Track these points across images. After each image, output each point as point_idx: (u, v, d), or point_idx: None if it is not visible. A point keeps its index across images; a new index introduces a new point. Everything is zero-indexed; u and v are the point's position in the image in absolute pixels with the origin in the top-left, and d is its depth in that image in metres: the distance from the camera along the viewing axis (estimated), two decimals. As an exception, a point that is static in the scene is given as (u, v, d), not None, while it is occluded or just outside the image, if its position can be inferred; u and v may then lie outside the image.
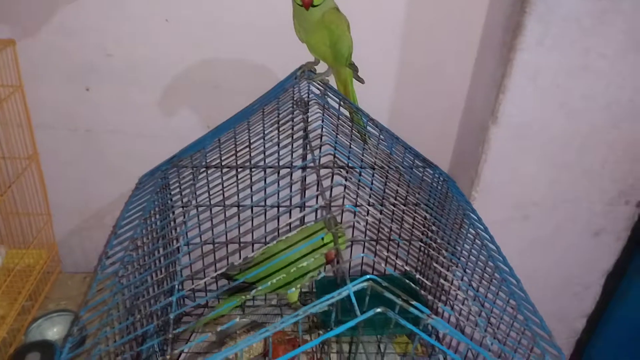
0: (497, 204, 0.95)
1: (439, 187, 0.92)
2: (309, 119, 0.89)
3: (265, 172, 0.91)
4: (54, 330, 0.92)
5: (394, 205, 0.92)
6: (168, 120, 0.99)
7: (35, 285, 1.01)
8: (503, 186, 0.94)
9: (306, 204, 1.05)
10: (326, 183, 0.98)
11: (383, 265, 0.57)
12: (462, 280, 0.68)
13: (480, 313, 0.64)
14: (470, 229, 0.80)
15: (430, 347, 0.95)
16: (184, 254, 0.63)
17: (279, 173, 0.93)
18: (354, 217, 1.02)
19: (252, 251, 0.84)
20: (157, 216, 0.79)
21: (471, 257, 0.77)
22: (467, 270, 0.75)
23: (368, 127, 0.90)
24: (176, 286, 0.53)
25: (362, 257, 1.03)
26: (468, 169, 0.97)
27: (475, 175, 0.94)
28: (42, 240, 1.07)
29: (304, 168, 0.99)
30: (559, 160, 0.92)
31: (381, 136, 0.88)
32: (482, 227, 0.81)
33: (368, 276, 0.42)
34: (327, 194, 0.98)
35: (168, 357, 0.45)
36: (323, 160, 0.96)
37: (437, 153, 1.01)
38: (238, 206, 0.92)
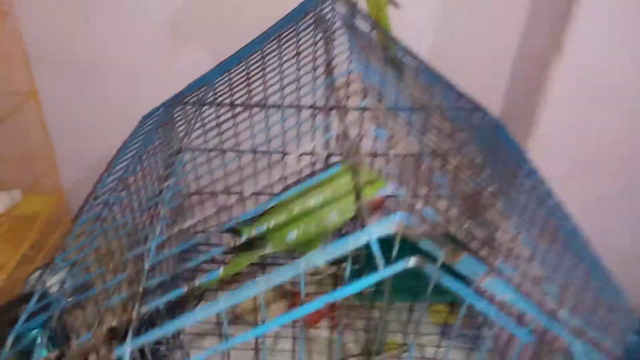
0: (556, 157, 0.81)
1: (489, 133, 0.78)
2: (334, 49, 0.75)
3: (282, 112, 0.79)
4: (54, 281, 0.85)
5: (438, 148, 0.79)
6: (176, 56, 0.89)
7: (40, 233, 0.94)
8: (564, 136, 0.80)
9: (331, 151, 0.92)
10: (354, 125, 0.85)
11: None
12: (518, 235, 0.56)
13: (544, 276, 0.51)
14: (526, 180, 0.67)
15: (476, 316, 0.82)
16: (177, 200, 0.53)
17: (299, 114, 0.81)
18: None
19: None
20: (158, 155, 0.69)
21: (527, 211, 0.64)
22: (522, 224, 0.62)
23: (404, 60, 0.76)
24: (157, 230, 0.43)
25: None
26: (523, 115, 0.83)
27: (531, 122, 0.80)
28: (48, 185, 1.00)
29: (329, 108, 0.86)
30: (632, 106, 0.77)
31: (420, 67, 0.74)
32: (539, 179, 0.68)
33: (397, 216, 0.29)
34: (356, 138, 0.86)
35: (135, 315, 0.35)
36: (351, 99, 0.83)
37: (485, 97, 0.86)
38: (254, 151, 0.81)
